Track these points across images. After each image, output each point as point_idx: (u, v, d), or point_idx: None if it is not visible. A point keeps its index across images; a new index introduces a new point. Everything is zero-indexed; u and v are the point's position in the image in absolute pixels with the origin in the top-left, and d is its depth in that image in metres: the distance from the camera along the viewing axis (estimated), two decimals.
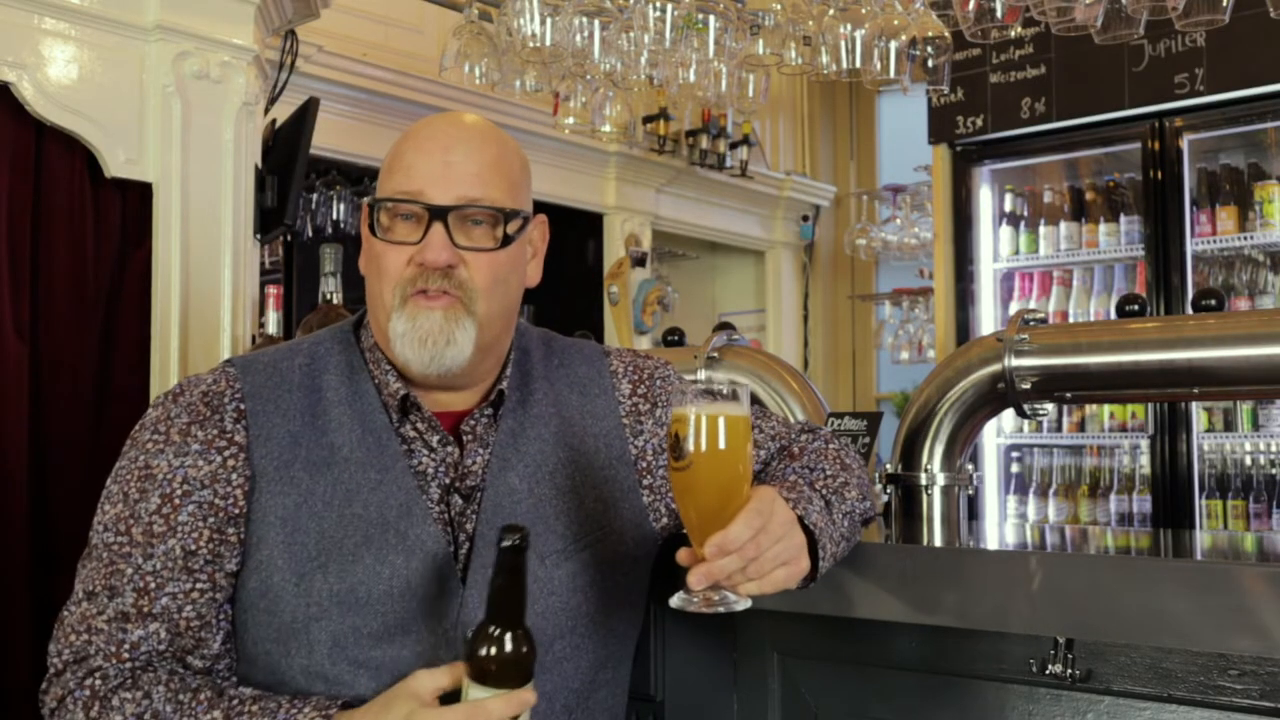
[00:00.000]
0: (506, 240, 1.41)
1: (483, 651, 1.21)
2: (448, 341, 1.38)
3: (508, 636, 1.21)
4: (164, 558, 1.34)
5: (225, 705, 1.27)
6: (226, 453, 1.38)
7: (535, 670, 1.36)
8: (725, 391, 1.28)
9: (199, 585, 1.35)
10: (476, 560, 1.38)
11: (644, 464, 1.52)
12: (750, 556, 1.25)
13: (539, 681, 1.38)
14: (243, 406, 1.40)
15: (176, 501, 1.35)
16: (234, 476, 1.37)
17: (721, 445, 1.26)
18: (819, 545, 1.34)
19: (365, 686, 1.33)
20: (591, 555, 1.45)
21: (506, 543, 1.22)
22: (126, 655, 1.32)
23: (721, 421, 1.26)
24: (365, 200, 1.48)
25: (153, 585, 1.33)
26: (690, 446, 1.26)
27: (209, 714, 1.26)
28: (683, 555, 1.28)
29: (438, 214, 1.38)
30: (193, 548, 1.35)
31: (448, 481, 1.42)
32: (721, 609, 1.27)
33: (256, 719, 1.26)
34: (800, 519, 1.33)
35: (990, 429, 4.97)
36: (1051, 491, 4.86)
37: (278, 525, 1.36)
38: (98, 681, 1.31)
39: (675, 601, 1.28)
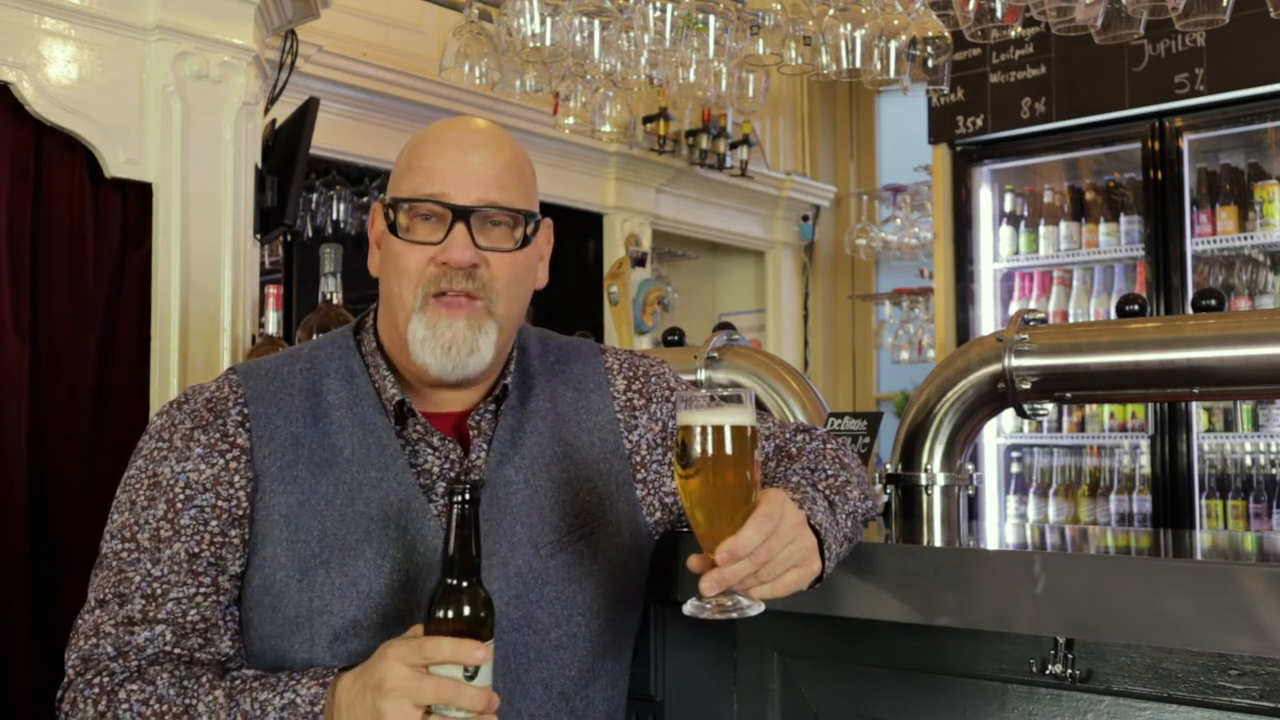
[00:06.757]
0: (525, 241, 1.45)
1: (439, 613, 1.23)
2: (471, 350, 1.41)
3: (459, 594, 1.23)
4: (169, 562, 1.36)
5: (228, 684, 1.29)
6: (229, 455, 1.40)
7: (532, 658, 1.38)
8: (730, 397, 1.28)
9: (203, 589, 1.37)
10: None
11: (638, 458, 1.55)
12: (762, 560, 1.25)
13: (537, 670, 1.42)
14: (245, 411, 1.43)
15: (179, 505, 1.38)
16: (236, 479, 1.39)
17: (729, 451, 1.26)
18: (824, 546, 1.35)
19: None
20: (587, 546, 1.47)
21: (457, 498, 1.23)
22: (133, 656, 1.34)
23: (728, 428, 1.26)
24: (380, 200, 1.49)
25: (159, 590, 1.35)
26: (697, 454, 1.27)
27: (211, 693, 1.28)
28: (694, 561, 1.29)
29: (461, 214, 1.40)
30: (196, 550, 1.37)
31: (453, 476, 1.44)
32: (735, 614, 1.27)
33: (258, 693, 1.27)
34: (806, 519, 1.34)
35: (990, 429, 4.97)
36: (1051, 491, 4.86)
37: (281, 523, 1.38)
38: (105, 678, 1.32)
39: (689, 609, 1.28)
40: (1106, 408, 4.81)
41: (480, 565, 1.25)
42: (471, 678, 1.21)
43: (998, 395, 1.98)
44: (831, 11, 3.46)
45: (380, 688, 1.19)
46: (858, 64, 3.41)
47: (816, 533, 1.34)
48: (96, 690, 1.32)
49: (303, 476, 1.40)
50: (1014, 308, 5.07)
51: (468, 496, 1.23)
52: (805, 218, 7.32)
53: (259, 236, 3.16)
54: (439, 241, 1.41)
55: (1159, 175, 4.59)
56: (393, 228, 1.43)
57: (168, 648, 1.34)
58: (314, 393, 1.46)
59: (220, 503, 1.38)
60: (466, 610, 1.23)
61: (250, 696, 1.27)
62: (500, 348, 1.45)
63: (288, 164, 3.22)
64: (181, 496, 1.38)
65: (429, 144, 1.45)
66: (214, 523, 1.38)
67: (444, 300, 1.41)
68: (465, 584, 1.23)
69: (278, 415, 1.43)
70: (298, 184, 3.24)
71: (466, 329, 1.40)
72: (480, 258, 1.41)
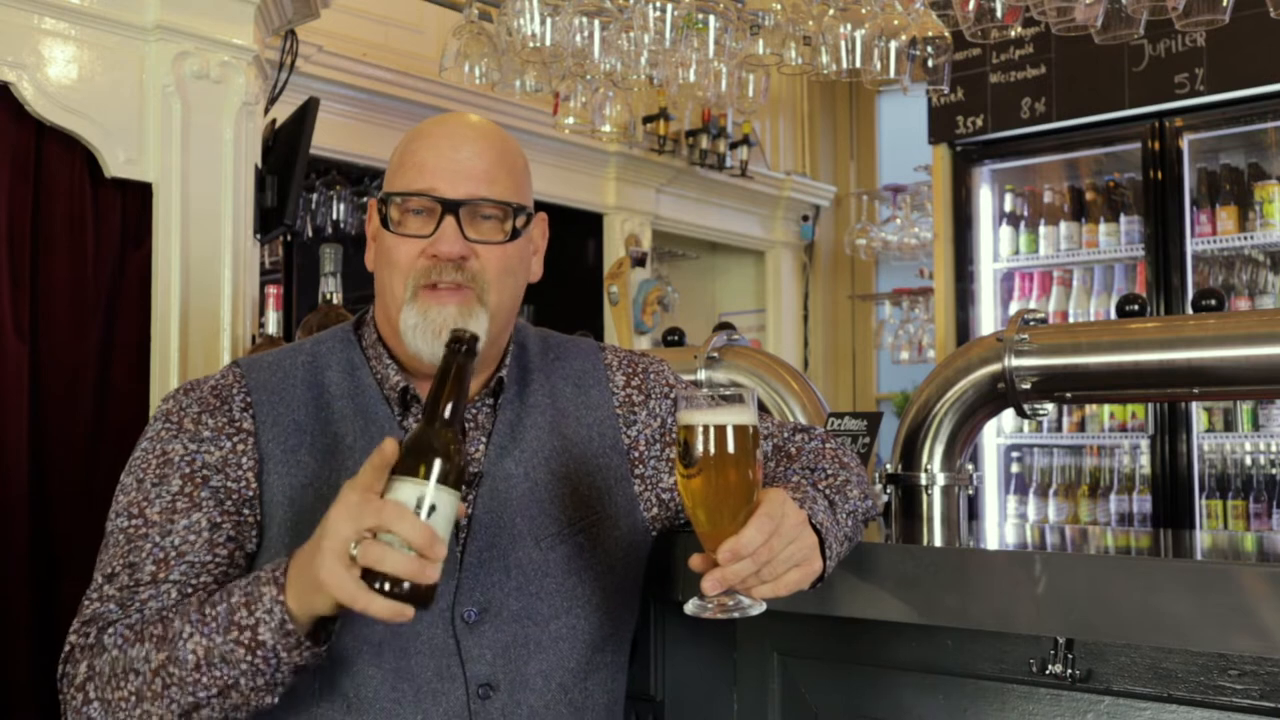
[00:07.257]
0: (515, 234, 1.46)
1: (405, 452, 1.20)
2: None
3: (425, 433, 1.21)
4: (185, 532, 1.36)
5: (202, 596, 1.30)
6: (236, 439, 1.42)
7: (531, 649, 1.39)
8: (731, 396, 1.29)
9: (218, 558, 1.37)
10: (473, 543, 1.42)
11: (636, 454, 1.56)
12: (764, 560, 1.26)
13: (537, 661, 1.43)
14: (250, 398, 1.45)
15: (198, 481, 1.39)
16: (244, 460, 1.41)
17: (731, 451, 1.27)
18: (825, 545, 1.35)
19: (366, 662, 1.37)
20: (586, 539, 1.49)
21: (451, 346, 1.25)
22: (135, 611, 1.33)
23: (730, 427, 1.27)
24: (376, 196, 1.51)
25: (172, 556, 1.36)
26: (700, 453, 1.27)
27: (185, 608, 1.28)
28: (695, 561, 1.29)
29: (450, 207, 1.42)
30: (218, 520, 1.38)
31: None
32: (736, 614, 1.28)
33: (226, 585, 1.28)
34: (807, 519, 1.34)
35: (990, 429, 4.97)
36: (1051, 491, 4.86)
37: (285, 505, 1.40)
38: (100, 624, 1.33)
39: (690, 608, 1.29)
40: (1106, 408, 4.81)
41: (462, 417, 1.24)
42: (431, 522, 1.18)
43: (998, 395, 1.98)
44: (831, 11, 3.46)
45: (331, 510, 1.20)
46: (858, 64, 3.40)
47: (817, 532, 1.34)
48: (91, 639, 1.32)
49: (306, 461, 1.42)
50: (1014, 308, 5.07)
51: (464, 347, 1.25)
52: (805, 218, 7.32)
53: (259, 236, 3.16)
54: (429, 235, 1.42)
55: (1159, 175, 4.59)
56: (385, 221, 1.46)
57: (169, 603, 1.34)
58: (316, 384, 1.48)
59: (231, 484, 1.40)
60: (434, 446, 1.20)
61: (221, 591, 1.28)
62: (493, 336, 1.46)
63: (288, 164, 3.22)
64: (199, 475, 1.39)
65: (420, 139, 1.47)
66: (228, 502, 1.39)
67: (434, 289, 1.43)
68: (434, 426, 1.21)
69: (280, 404, 1.45)
70: (298, 184, 3.24)
71: (457, 314, 1.41)
72: (470, 250, 1.43)
